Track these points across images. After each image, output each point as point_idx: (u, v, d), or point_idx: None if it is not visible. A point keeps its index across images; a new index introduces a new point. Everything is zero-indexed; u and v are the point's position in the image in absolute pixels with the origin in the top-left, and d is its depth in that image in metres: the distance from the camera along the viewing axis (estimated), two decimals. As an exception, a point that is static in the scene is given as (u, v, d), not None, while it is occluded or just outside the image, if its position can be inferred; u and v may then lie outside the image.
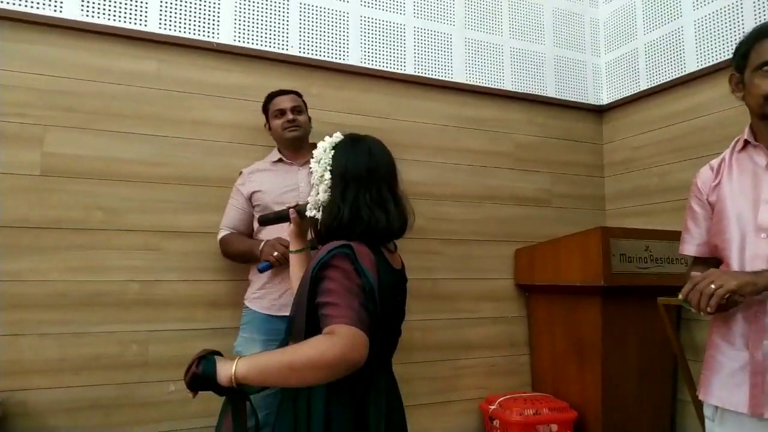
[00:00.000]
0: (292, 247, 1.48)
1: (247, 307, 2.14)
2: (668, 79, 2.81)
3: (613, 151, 3.18)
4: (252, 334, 2.07)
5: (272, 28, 2.50)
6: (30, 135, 2.09)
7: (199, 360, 1.06)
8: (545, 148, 3.07)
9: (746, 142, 1.39)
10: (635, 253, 2.45)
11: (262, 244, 2.01)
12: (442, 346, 2.69)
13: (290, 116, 2.16)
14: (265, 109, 2.25)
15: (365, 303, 1.08)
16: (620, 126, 3.13)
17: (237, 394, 1.08)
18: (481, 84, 2.91)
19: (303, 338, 1.07)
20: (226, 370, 1.03)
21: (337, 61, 2.60)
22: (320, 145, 1.25)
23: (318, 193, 1.21)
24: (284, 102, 2.19)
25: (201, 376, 1.04)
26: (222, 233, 2.18)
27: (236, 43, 2.42)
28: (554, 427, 2.45)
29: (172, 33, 2.31)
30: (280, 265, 1.94)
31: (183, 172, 2.28)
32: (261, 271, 1.95)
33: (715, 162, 1.46)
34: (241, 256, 2.14)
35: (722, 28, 2.57)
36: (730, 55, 2.45)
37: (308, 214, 1.23)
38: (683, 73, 2.73)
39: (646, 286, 2.45)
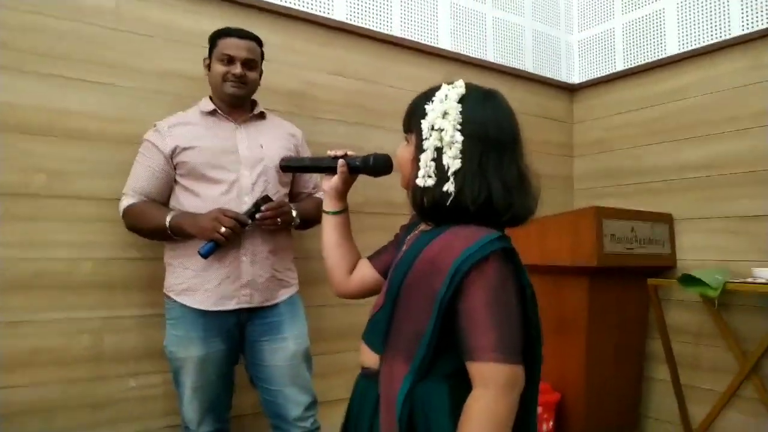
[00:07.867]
0: (329, 207, 1.18)
1: (173, 300, 1.70)
2: (647, 61, 2.81)
3: (584, 130, 3.17)
4: (188, 331, 1.67)
5: (251, -31, 2.16)
6: (-50, 73, 1.64)
7: None
8: (522, 125, 2.98)
9: None
10: (623, 233, 2.44)
11: (201, 218, 1.60)
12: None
13: (239, 70, 1.71)
14: (212, 43, 1.77)
15: (527, 313, 0.92)
16: (593, 105, 3.12)
17: None
18: (465, 53, 2.75)
19: (416, 349, 0.89)
20: None
21: (322, 14, 2.32)
22: (440, 94, 0.97)
23: (444, 158, 0.94)
24: (238, 49, 1.72)
25: None
26: (128, 200, 1.70)
27: (209, -17, 2.07)
28: (538, 409, 2.40)
29: (133, -39, 1.92)
30: (227, 243, 1.59)
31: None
32: (205, 255, 1.58)
33: None
34: (158, 232, 1.66)
35: (705, 11, 2.58)
36: (713, 39, 2.55)
37: (420, 182, 0.94)
38: (663, 56, 2.74)
39: (631, 266, 2.46)
